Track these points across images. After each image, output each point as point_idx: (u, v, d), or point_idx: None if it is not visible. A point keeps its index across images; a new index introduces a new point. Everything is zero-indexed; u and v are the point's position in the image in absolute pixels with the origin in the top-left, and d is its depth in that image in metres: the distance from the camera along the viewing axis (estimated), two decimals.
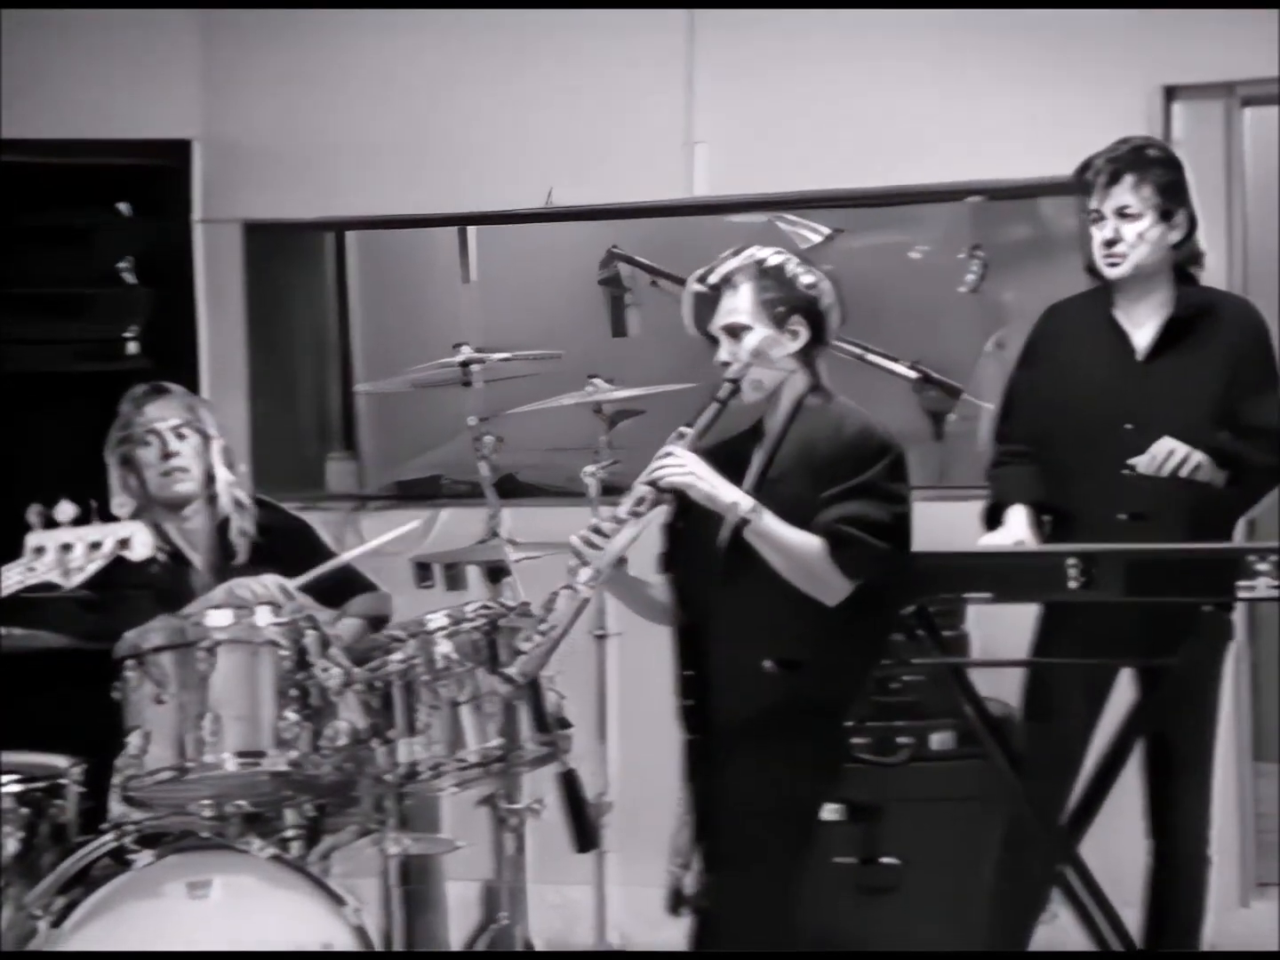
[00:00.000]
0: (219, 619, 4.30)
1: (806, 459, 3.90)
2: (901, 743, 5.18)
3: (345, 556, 4.80)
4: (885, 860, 5.14)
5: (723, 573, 3.90)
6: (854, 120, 5.78)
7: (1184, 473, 4.35)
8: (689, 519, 3.98)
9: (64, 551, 3.47)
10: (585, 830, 4.50)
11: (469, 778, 4.39)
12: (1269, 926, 5.28)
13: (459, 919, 4.80)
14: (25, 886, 4.28)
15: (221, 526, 4.85)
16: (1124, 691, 4.54)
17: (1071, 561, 4.11)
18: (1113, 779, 4.35)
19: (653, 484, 3.85)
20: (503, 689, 4.20)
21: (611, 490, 4.67)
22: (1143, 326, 4.54)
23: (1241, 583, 4.03)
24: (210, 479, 4.86)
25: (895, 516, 3.86)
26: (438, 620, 4.34)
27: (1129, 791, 4.50)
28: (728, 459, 3.93)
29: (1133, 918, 4.51)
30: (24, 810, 4.36)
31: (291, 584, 4.65)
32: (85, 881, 4.24)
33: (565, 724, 4.41)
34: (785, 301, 3.95)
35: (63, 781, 4.46)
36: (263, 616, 4.33)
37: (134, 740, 4.22)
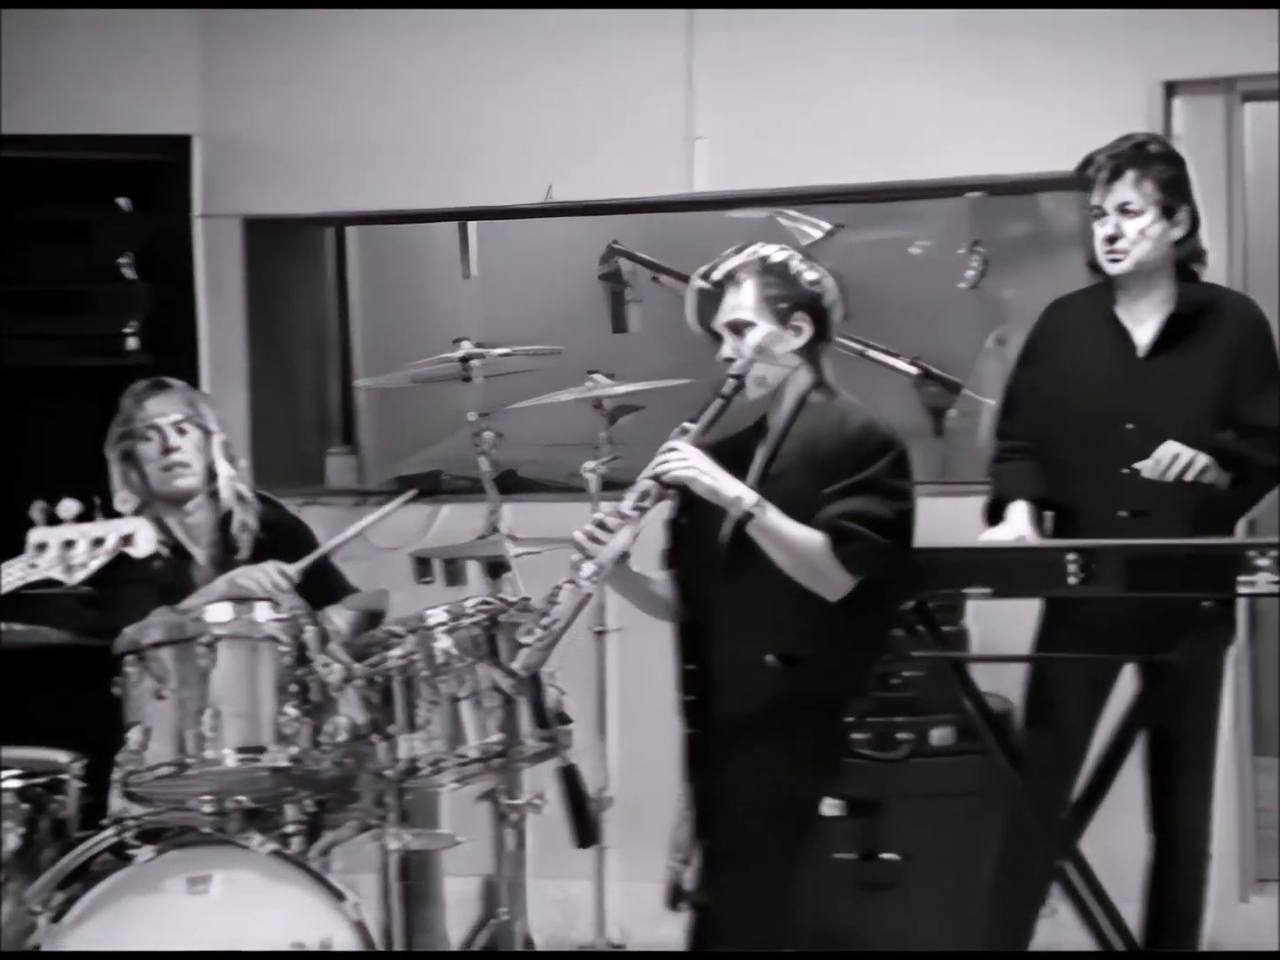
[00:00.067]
0: (219, 614, 4.31)
1: (809, 455, 3.91)
2: (901, 738, 5.18)
3: (343, 535, 4.78)
4: (885, 856, 5.14)
5: (725, 568, 3.90)
6: (854, 116, 5.78)
7: (1189, 477, 4.35)
8: (692, 515, 3.98)
9: (66, 548, 3.47)
10: (585, 825, 4.50)
11: (469, 773, 4.40)
12: (1269, 922, 5.28)
13: (459, 914, 4.81)
14: (25, 881, 4.29)
15: (224, 521, 4.86)
16: (1125, 688, 4.53)
17: (1071, 557, 4.11)
18: (1113, 774, 4.35)
19: (656, 479, 3.85)
20: (505, 682, 4.21)
21: (612, 486, 4.68)
22: (1144, 324, 4.54)
23: (1242, 578, 4.03)
24: (211, 474, 4.87)
25: (898, 513, 3.87)
26: (437, 616, 4.34)
27: (1129, 786, 4.50)
28: (731, 455, 3.94)
29: (1132, 913, 4.51)
30: (24, 805, 4.37)
31: (291, 569, 4.65)
32: (85, 877, 4.25)
33: (565, 719, 4.41)
34: (789, 298, 3.96)
35: (63, 777, 4.46)
36: (263, 612, 4.33)
37: (134, 736, 4.23)
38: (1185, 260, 4.57)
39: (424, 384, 5.03)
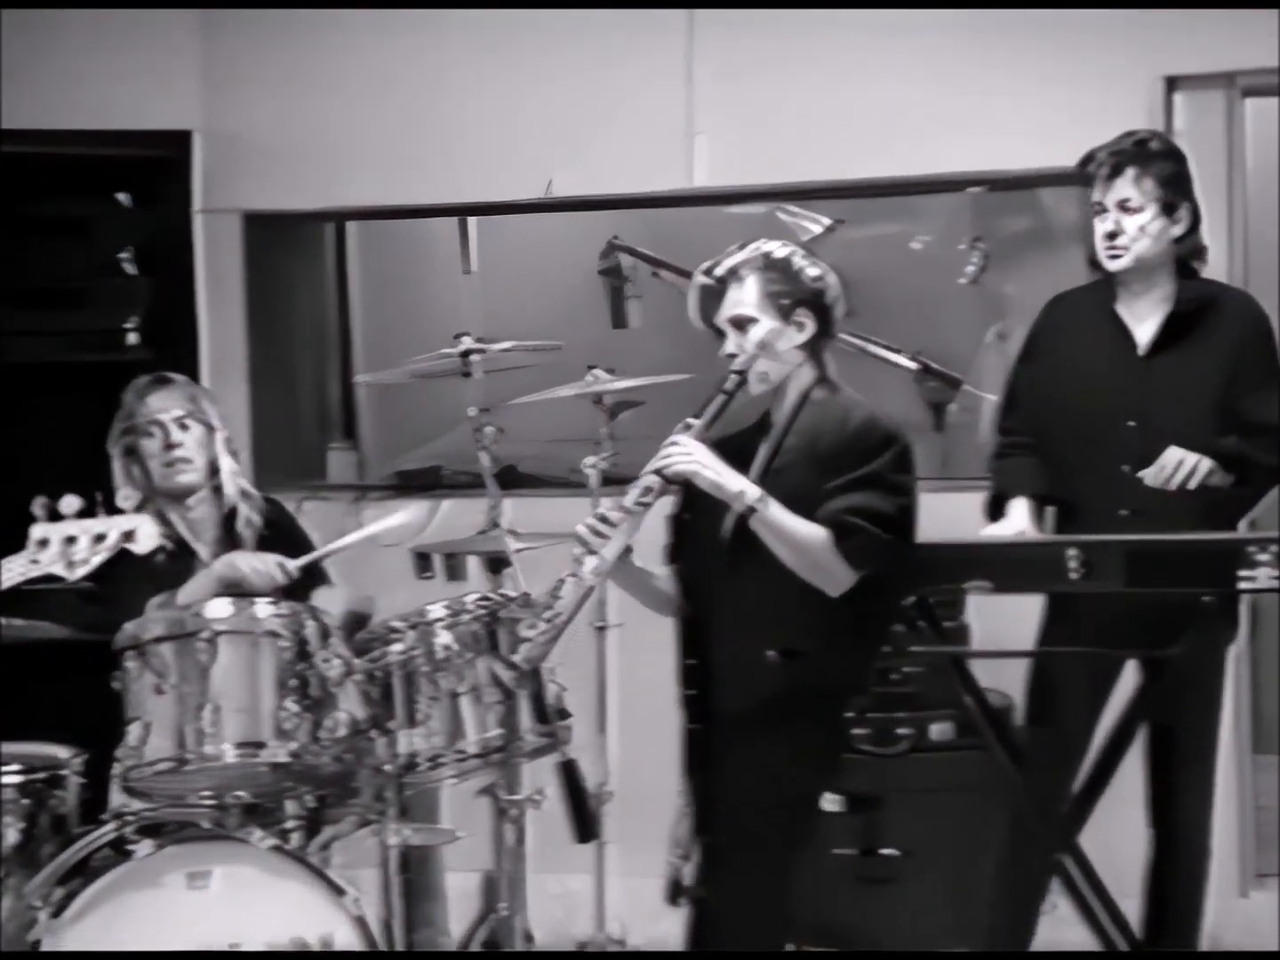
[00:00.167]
0: (219, 610, 4.31)
1: (812, 449, 3.91)
2: (901, 733, 5.18)
3: (347, 540, 4.79)
4: (885, 851, 5.14)
5: (727, 564, 3.90)
6: (854, 111, 5.77)
7: (1192, 485, 4.34)
8: (694, 511, 3.98)
9: (68, 544, 3.47)
10: (585, 821, 4.50)
11: (469, 768, 4.40)
12: (1268, 918, 5.28)
13: (459, 909, 4.81)
14: (25, 877, 4.29)
15: (229, 517, 4.86)
16: (1127, 685, 4.53)
17: (1072, 552, 4.11)
18: (1112, 769, 4.35)
19: (659, 473, 3.86)
20: (506, 675, 4.21)
21: (612, 481, 4.68)
22: (1145, 322, 4.53)
23: (1242, 573, 4.03)
24: (214, 469, 4.87)
25: (900, 508, 3.87)
26: (437, 611, 4.34)
27: (1130, 782, 4.50)
28: (734, 452, 3.94)
29: (1132, 909, 4.51)
30: (24, 801, 4.37)
31: (292, 565, 4.65)
32: (85, 872, 4.25)
33: (565, 715, 4.41)
34: (791, 294, 3.96)
35: (63, 772, 4.47)
36: (263, 607, 4.33)
37: (134, 731, 4.22)
38: (1186, 257, 4.56)
39: (424, 379, 5.03)
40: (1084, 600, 4.35)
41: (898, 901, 5.14)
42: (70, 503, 3.46)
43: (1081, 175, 4.55)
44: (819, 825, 3.99)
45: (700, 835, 3.94)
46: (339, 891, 4.19)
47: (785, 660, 3.84)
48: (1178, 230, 4.51)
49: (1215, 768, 4.60)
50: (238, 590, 4.55)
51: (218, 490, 4.88)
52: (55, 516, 3.47)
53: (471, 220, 6.67)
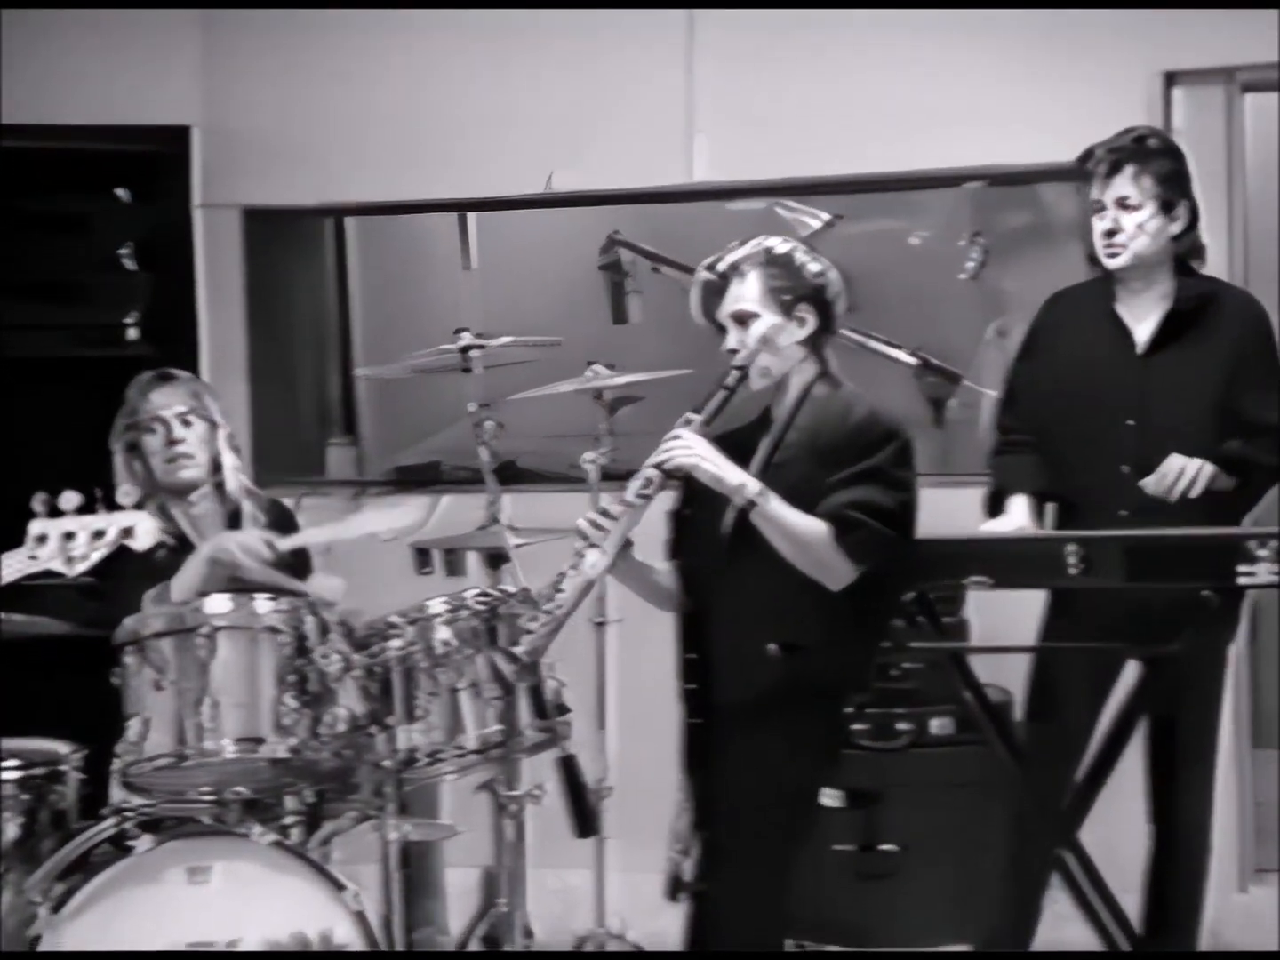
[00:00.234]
0: (218, 605, 4.31)
1: (813, 444, 3.91)
2: (901, 729, 5.19)
3: (343, 531, 4.78)
4: (884, 847, 5.14)
5: (727, 558, 3.91)
6: (854, 106, 5.77)
7: (1194, 493, 4.33)
8: (694, 506, 3.99)
9: (67, 540, 3.47)
10: (585, 816, 4.50)
11: (468, 764, 4.40)
12: (1268, 913, 5.29)
13: (459, 904, 4.81)
14: (25, 872, 4.29)
15: (233, 516, 4.86)
16: (1127, 682, 4.52)
17: (1071, 547, 4.11)
18: (1112, 764, 4.35)
19: (659, 467, 3.86)
20: (508, 668, 4.22)
21: (611, 477, 4.68)
22: (1143, 320, 4.53)
23: (1242, 568, 4.03)
24: (216, 466, 4.87)
25: (901, 503, 3.87)
26: (437, 606, 4.34)
27: (1130, 777, 4.50)
28: (735, 447, 3.94)
29: (1132, 904, 4.51)
30: (24, 796, 4.37)
31: (279, 542, 4.64)
32: (85, 867, 4.25)
33: (565, 710, 4.41)
34: (793, 290, 3.97)
35: (62, 767, 4.47)
36: (262, 603, 4.33)
37: (133, 726, 4.23)
38: (1184, 255, 4.56)
39: (424, 374, 5.03)
40: (1085, 597, 4.35)
41: (897, 897, 5.14)
42: (70, 499, 3.46)
43: (1081, 172, 4.55)
44: (818, 820, 3.99)
45: (700, 830, 3.94)
46: (339, 887, 4.19)
47: (785, 654, 3.84)
48: (1176, 228, 4.51)
49: (1216, 764, 4.60)
50: (230, 576, 4.55)
51: (220, 486, 4.88)
52: (55, 512, 3.46)
53: (471, 216, 6.67)
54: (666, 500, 3.99)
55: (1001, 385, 4.78)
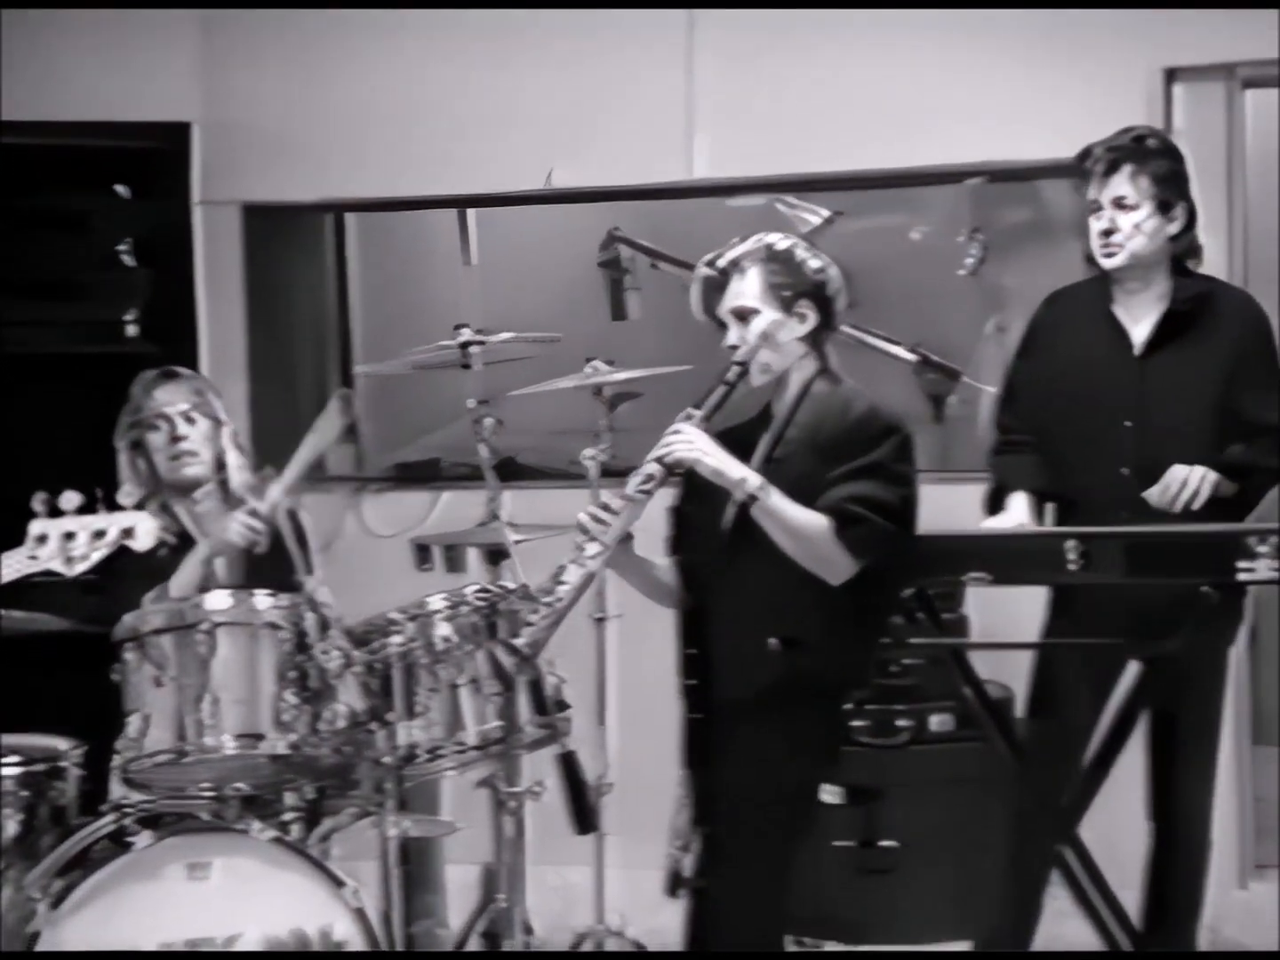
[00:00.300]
0: (218, 601, 4.31)
1: (813, 438, 3.92)
2: (901, 725, 5.19)
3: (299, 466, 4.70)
4: (884, 843, 5.14)
5: (727, 553, 3.91)
6: (854, 102, 5.77)
7: (1196, 505, 4.32)
8: (695, 502, 4.00)
9: (67, 540, 3.47)
10: (584, 812, 4.50)
11: (468, 760, 4.40)
12: (1268, 909, 5.29)
13: (458, 901, 4.81)
14: (25, 868, 4.29)
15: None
16: (1128, 678, 4.52)
17: (1071, 544, 4.11)
18: (1112, 760, 4.34)
19: (660, 461, 3.86)
20: (509, 660, 4.22)
21: (611, 473, 4.67)
22: (1140, 321, 4.51)
23: (1241, 564, 4.03)
24: (220, 463, 4.87)
25: (902, 498, 3.87)
26: (437, 603, 4.34)
27: (1130, 774, 4.50)
28: (735, 443, 3.94)
29: (1132, 900, 4.51)
30: (24, 792, 4.37)
31: (261, 507, 4.58)
32: (85, 863, 4.25)
33: (564, 706, 4.41)
34: (793, 286, 3.97)
35: (62, 764, 4.47)
36: (262, 599, 4.33)
37: (133, 723, 4.23)
38: (1181, 256, 4.54)
39: (424, 371, 5.03)
40: (1086, 597, 4.35)
41: (897, 893, 5.14)
42: (70, 498, 3.46)
43: (1079, 171, 4.54)
44: (818, 817, 3.99)
45: (700, 827, 3.94)
46: (338, 883, 4.20)
47: (786, 649, 3.84)
48: (1173, 229, 4.49)
49: (1216, 762, 4.59)
50: (233, 567, 4.56)
51: (224, 484, 4.88)
52: (55, 512, 3.46)
53: (471, 212, 6.67)
54: (667, 497, 3.99)
55: (1001, 382, 4.77)
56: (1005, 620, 4.75)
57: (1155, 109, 5.47)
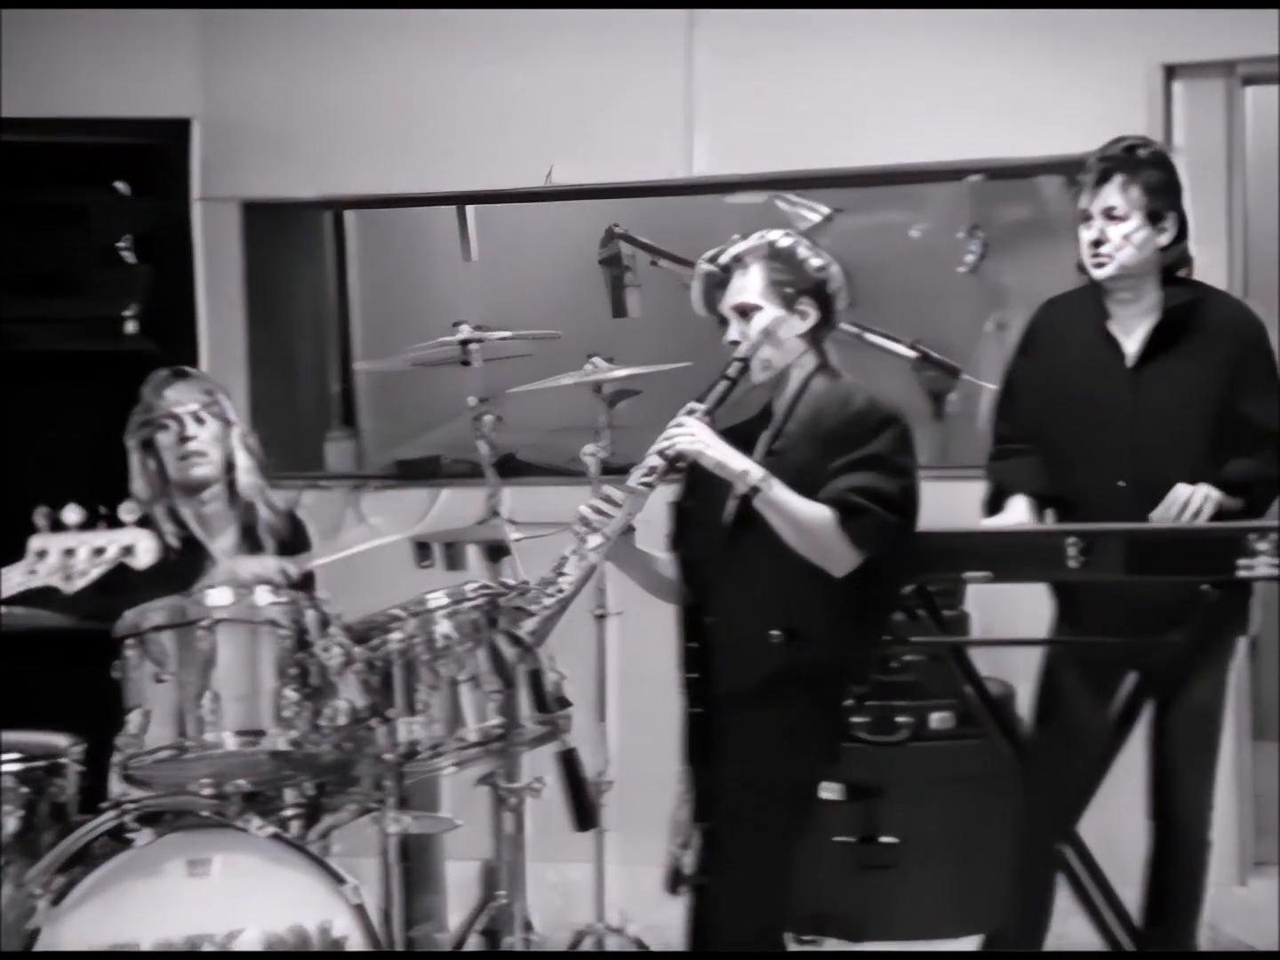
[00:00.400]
0: (219, 598, 4.31)
1: (812, 431, 3.93)
2: (901, 722, 5.19)
3: (349, 551, 4.80)
4: (884, 839, 5.14)
5: (729, 547, 3.92)
6: (853, 100, 5.77)
7: (1200, 521, 4.31)
8: (696, 497, 4.01)
9: (67, 556, 3.46)
10: (585, 809, 4.51)
11: (468, 757, 4.41)
12: (1268, 906, 5.29)
13: (458, 897, 4.81)
14: (25, 865, 4.29)
15: (248, 528, 4.85)
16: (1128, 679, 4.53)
17: (1071, 541, 4.11)
18: (1111, 758, 4.34)
19: (662, 454, 3.87)
20: (511, 652, 4.22)
21: (611, 470, 4.67)
22: (1133, 333, 4.47)
23: (1241, 561, 4.03)
24: (229, 464, 4.87)
25: (903, 489, 3.88)
26: (437, 599, 4.35)
27: (1130, 771, 4.50)
28: (737, 441, 3.95)
29: (1132, 897, 4.52)
30: (24, 789, 4.37)
31: (293, 569, 4.66)
32: (85, 860, 4.24)
33: (565, 703, 4.42)
34: (795, 283, 3.99)
35: (63, 760, 4.47)
36: (263, 596, 4.33)
37: (134, 719, 4.23)
38: (1172, 266, 4.50)
39: (424, 368, 5.02)
40: (1089, 601, 4.34)
41: (897, 888, 5.15)
42: (71, 513, 3.45)
43: (1071, 181, 4.53)
44: (818, 813, 4.00)
45: (700, 823, 3.94)
46: (338, 880, 4.19)
47: (787, 641, 3.84)
48: (1163, 240, 4.44)
49: (1217, 761, 4.59)
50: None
51: (232, 485, 4.88)
52: (57, 526, 3.45)
53: (471, 209, 6.67)
54: (669, 493, 3.99)
55: (1000, 383, 4.76)
56: (1006, 618, 4.75)
57: (1155, 106, 5.48)
